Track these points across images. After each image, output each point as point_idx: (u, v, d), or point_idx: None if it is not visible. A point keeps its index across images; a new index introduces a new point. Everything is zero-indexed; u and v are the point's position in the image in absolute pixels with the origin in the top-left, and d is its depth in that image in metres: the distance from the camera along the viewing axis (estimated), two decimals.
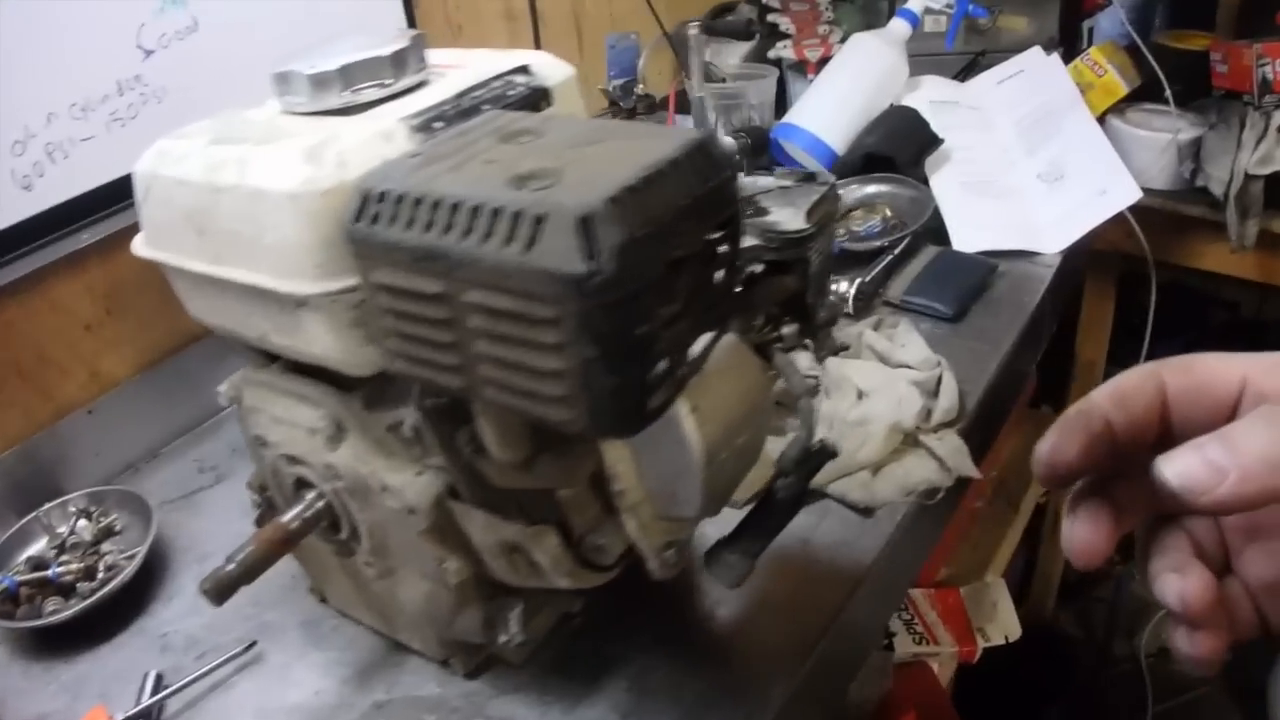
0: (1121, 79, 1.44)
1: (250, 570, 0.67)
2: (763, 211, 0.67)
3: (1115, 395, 0.33)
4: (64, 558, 0.86)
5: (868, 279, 1.14)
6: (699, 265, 0.48)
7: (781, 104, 1.56)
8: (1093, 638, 1.80)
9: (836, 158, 1.34)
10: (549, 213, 0.42)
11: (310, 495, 0.70)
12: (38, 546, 0.90)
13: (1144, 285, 1.49)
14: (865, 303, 1.13)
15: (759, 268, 0.65)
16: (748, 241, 0.65)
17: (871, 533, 0.83)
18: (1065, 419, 0.33)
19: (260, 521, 0.79)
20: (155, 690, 0.76)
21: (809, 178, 0.70)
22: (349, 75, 0.63)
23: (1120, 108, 1.47)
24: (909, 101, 1.39)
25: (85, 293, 0.98)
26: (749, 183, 0.71)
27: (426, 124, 0.60)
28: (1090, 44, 1.60)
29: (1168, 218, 1.46)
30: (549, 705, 0.72)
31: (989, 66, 1.47)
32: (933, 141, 1.28)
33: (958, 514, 1.39)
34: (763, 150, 1.36)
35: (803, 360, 0.97)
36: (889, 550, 0.81)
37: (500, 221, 0.43)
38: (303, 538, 0.70)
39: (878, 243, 1.21)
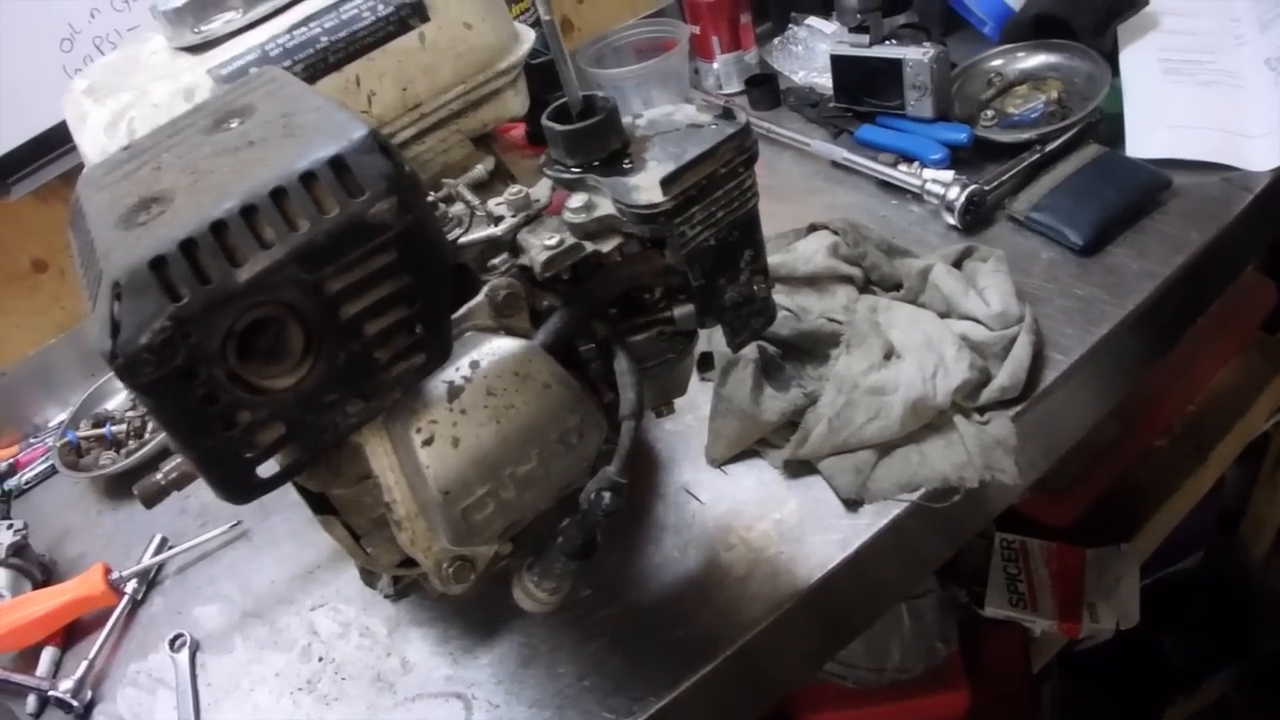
0: None
1: (176, 482, 0.71)
2: (641, 164, 0.54)
3: None
4: (129, 413, 0.98)
5: (990, 184, 0.92)
6: (330, 312, 0.40)
7: None
8: None
9: (1010, 14, 1.06)
10: (102, 271, 0.36)
11: None
12: (119, 399, 1.02)
13: None
14: (979, 215, 0.92)
15: (610, 244, 0.53)
16: (606, 209, 0.53)
17: (842, 536, 0.70)
18: None
19: None
20: (157, 552, 0.86)
21: (727, 114, 0.55)
22: (197, 8, 0.58)
23: None
24: None
25: None
26: (658, 115, 0.58)
27: (241, 70, 0.54)
28: None
29: None
30: (444, 647, 0.72)
31: None
32: (1129, 3, 0.96)
33: (1126, 449, 1.16)
34: None
35: (840, 297, 0.82)
36: (844, 569, 0.68)
37: (92, 265, 0.38)
38: None
39: (1026, 135, 0.96)
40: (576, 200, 0.55)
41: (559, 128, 0.55)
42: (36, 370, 1.06)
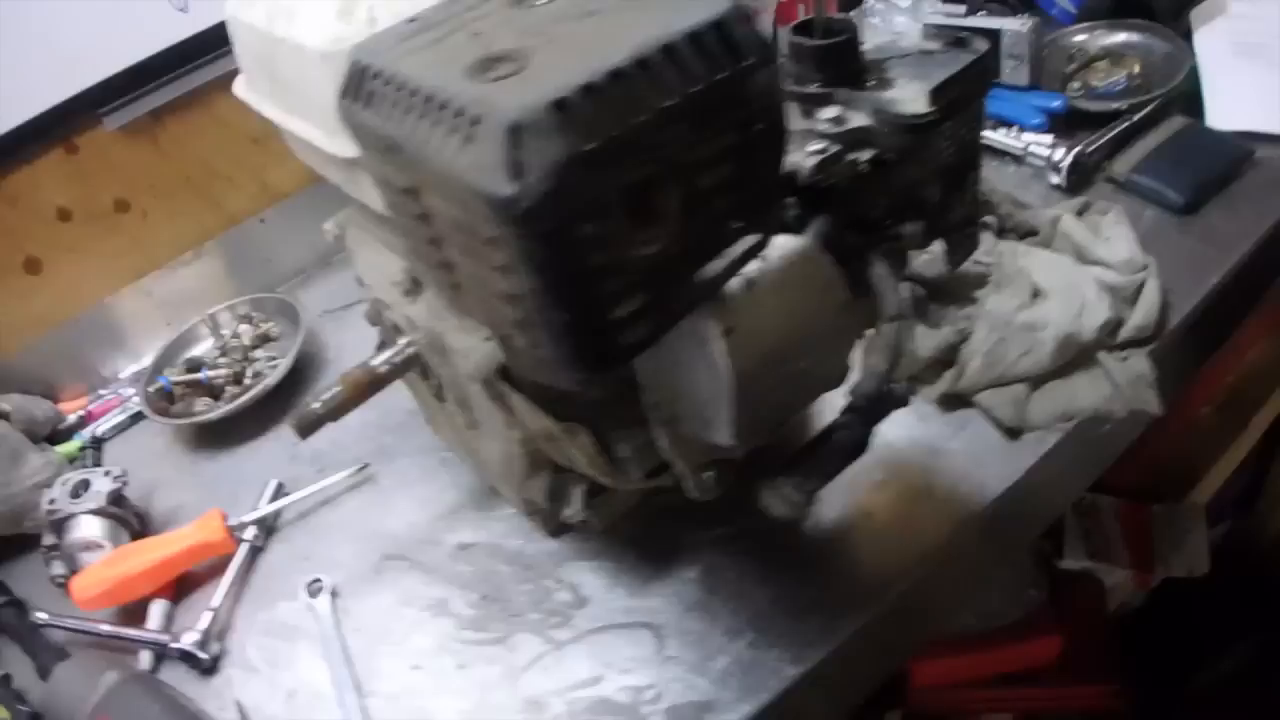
0: None
1: (335, 410, 0.68)
2: (886, 83, 0.55)
3: None
4: (221, 360, 0.94)
5: (1090, 148, 0.96)
6: (695, 178, 0.40)
7: None
8: None
9: None
10: (483, 115, 0.35)
11: (402, 341, 0.70)
12: (204, 346, 0.97)
13: None
14: (1082, 177, 0.96)
15: (865, 154, 0.54)
16: (858, 121, 0.54)
17: (1009, 460, 0.73)
18: None
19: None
20: (274, 498, 0.83)
21: (960, 42, 0.56)
22: None
23: None
24: None
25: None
26: (886, 43, 0.59)
27: None
28: None
29: None
30: (619, 579, 0.71)
31: None
32: None
33: (1181, 414, 1.22)
34: None
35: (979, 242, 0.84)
36: (1018, 488, 0.71)
37: (444, 118, 0.37)
38: (390, 382, 0.70)
39: (1116, 105, 1.00)
40: (829, 112, 0.55)
41: (809, 43, 0.56)
42: (107, 318, 1.00)
